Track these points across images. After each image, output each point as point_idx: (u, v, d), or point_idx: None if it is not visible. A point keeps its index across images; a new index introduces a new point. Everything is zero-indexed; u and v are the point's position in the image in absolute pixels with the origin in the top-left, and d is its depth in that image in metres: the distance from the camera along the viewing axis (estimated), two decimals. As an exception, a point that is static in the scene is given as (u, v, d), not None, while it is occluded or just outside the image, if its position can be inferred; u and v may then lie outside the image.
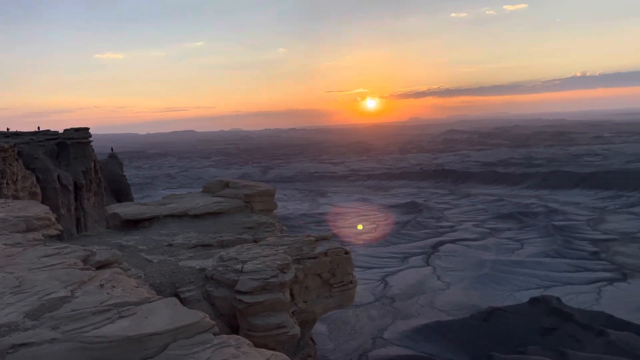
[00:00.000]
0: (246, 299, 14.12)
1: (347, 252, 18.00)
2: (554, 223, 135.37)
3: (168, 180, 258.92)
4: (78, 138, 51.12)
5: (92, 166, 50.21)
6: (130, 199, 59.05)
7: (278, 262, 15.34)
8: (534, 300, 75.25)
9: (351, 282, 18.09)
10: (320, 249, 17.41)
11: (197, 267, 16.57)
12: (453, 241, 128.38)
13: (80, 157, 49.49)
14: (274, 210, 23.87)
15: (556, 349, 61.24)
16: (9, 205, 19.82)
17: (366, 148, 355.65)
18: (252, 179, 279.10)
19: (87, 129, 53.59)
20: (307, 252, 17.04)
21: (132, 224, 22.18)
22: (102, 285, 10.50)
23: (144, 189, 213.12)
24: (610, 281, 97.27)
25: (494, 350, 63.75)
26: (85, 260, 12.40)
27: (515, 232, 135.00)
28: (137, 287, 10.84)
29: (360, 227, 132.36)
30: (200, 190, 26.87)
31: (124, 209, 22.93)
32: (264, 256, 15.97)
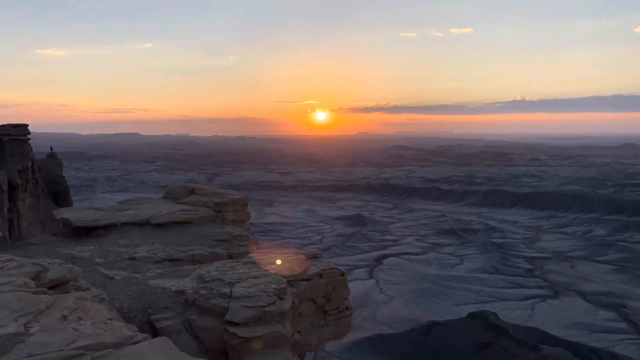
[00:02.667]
0: (241, 332, 11.58)
1: (342, 274, 16.01)
2: (492, 240, 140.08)
3: (109, 183, 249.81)
4: (15, 135, 48.47)
5: (30, 165, 47.67)
6: (69, 202, 56.52)
7: (273, 286, 13.01)
8: (472, 315, 77.25)
9: (347, 308, 16.20)
10: (313, 269, 15.26)
11: (173, 288, 14.05)
12: (396, 255, 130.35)
13: (17, 155, 46.89)
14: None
15: (492, 362, 63.07)
16: None
17: (315, 159, 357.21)
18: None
19: (25, 125, 50.95)
20: (299, 273, 14.91)
21: (84, 232, 19.56)
22: (65, 317, 8.04)
23: (82, 191, 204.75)
24: (544, 298, 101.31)
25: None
26: (35, 279, 9.86)
27: (456, 247, 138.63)
28: (110, 319, 8.42)
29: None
30: (161, 196, 24.49)
31: (76, 214, 20.31)
32: (254, 277, 13.71)
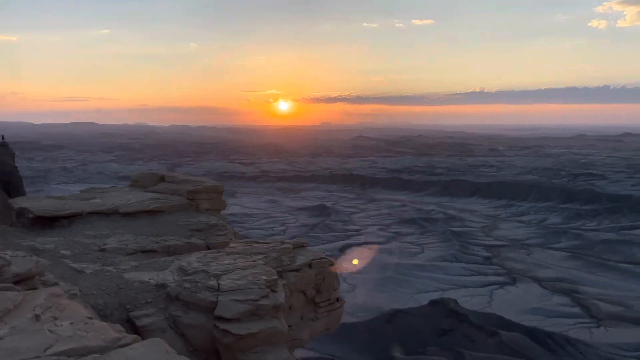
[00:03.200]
0: (234, 329, 10.68)
1: (332, 264, 15.36)
2: (452, 229, 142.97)
3: (64, 174, 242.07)
4: (-37, 123, 46.14)
5: (-21, 155, 45.46)
6: (22, 193, 54.18)
7: (263, 277, 12.09)
8: (433, 303, 78.88)
9: (337, 300, 15.79)
10: (301, 259, 14.65)
11: (153, 281, 12.92)
12: (359, 244, 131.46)
13: (-35, 144, 44.63)
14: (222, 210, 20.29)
15: (453, 348, 64.55)
16: None
17: (277, 150, 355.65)
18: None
19: (-27, 114, 48.52)
20: (288, 263, 14.19)
21: (46, 222, 17.89)
22: (37, 317, 6.92)
23: (36, 182, 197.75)
24: (501, 285, 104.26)
25: (396, 351, 65.92)
26: (-3, 273, 8.55)
27: (417, 236, 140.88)
28: (90, 318, 7.34)
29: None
30: (127, 185, 22.89)
31: (35, 203, 18.60)
32: (241, 268, 12.79)
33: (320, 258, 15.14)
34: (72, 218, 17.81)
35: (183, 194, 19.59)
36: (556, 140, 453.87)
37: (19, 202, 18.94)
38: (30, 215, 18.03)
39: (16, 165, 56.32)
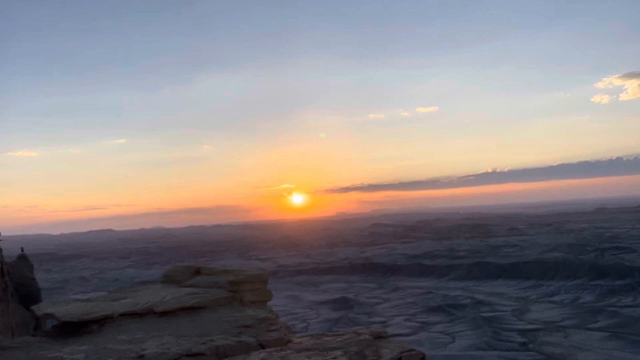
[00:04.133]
0: None
1: (423, 357, 13.93)
2: (482, 315, 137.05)
3: (82, 283, 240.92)
4: (-17, 238, 46.04)
5: (-2, 269, 44.92)
6: (40, 306, 53.07)
7: None
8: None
9: None
10: (387, 352, 13.15)
11: None
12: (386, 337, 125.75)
13: (-16, 259, 44.24)
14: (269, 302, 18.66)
15: None
16: None
17: (294, 243, 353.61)
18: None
19: (-6, 228, 48.69)
20: (373, 358, 12.85)
21: (73, 329, 15.86)
22: None
23: (53, 293, 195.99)
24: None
25: None
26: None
27: (446, 325, 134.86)
28: None
29: None
30: (160, 282, 21.07)
31: (61, 308, 16.58)
32: None
33: (409, 350, 13.70)
34: (102, 322, 15.95)
35: (224, 286, 18.08)
36: (576, 215, 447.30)
37: (42, 308, 17.32)
38: (55, 322, 16.51)
39: (34, 277, 55.70)
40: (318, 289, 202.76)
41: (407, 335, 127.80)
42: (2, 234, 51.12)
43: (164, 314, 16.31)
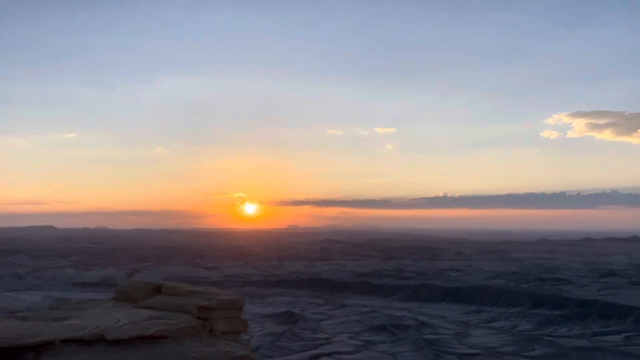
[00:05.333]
0: None
1: None
2: (424, 336, 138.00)
3: (15, 280, 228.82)
4: None
5: None
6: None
7: None
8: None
9: None
10: None
11: None
12: (328, 354, 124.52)
13: None
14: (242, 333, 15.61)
15: None
16: None
17: (243, 253, 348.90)
18: (115, 283, 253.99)
19: None
20: None
21: (3, 356, 12.34)
22: None
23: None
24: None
25: None
26: None
27: (388, 345, 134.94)
28: None
29: None
30: (110, 297, 17.96)
31: None
32: None
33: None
34: (40, 349, 12.51)
35: (190, 311, 15.04)
36: (520, 245, 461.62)
37: None
38: None
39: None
40: (264, 301, 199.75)
41: (350, 353, 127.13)
42: None
43: (117, 342, 13.33)
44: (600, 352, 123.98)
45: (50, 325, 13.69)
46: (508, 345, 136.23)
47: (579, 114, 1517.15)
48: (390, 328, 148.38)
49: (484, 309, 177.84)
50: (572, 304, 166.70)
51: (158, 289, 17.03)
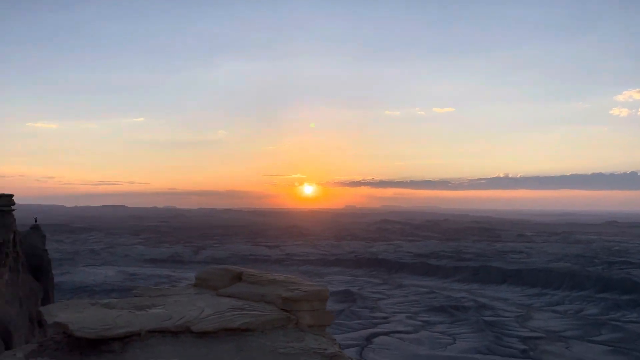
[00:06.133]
0: None
1: None
2: (484, 318, 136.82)
3: (92, 256, 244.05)
4: (-1, 206, 46.98)
5: (12, 238, 45.90)
6: (50, 277, 54.15)
7: None
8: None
9: None
10: None
11: None
12: (387, 333, 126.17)
13: (-1, 227, 45.20)
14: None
15: None
16: None
17: (302, 233, 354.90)
18: (183, 260, 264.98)
19: (10, 195, 49.43)
20: None
21: (90, 344, 12.30)
22: None
23: (63, 264, 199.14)
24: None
25: None
26: None
27: (447, 326, 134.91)
28: None
29: None
30: (190, 283, 17.69)
31: (75, 315, 12.90)
32: None
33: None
34: (126, 339, 12.43)
35: (274, 302, 14.47)
36: (586, 227, 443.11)
37: (53, 313, 13.31)
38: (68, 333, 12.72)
39: (46, 248, 56.79)
40: (322, 280, 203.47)
41: (408, 332, 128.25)
42: (17, 203, 52.04)
43: (202, 334, 12.93)
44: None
45: (135, 315, 13.47)
46: (573, 329, 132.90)
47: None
48: (449, 309, 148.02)
49: (547, 292, 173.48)
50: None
51: (238, 277, 16.59)
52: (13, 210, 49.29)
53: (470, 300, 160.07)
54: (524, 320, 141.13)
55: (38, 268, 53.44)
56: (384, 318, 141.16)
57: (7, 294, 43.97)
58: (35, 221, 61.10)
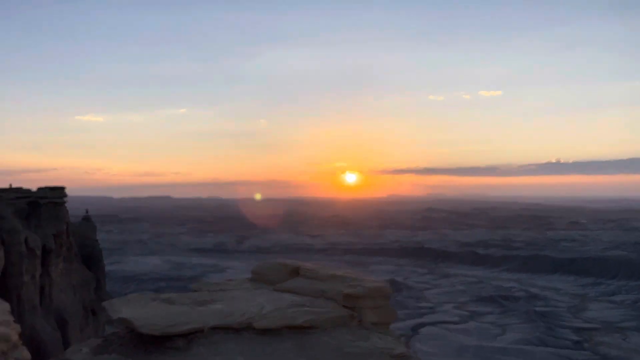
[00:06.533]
0: None
1: None
2: (536, 309, 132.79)
3: (140, 246, 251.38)
4: (52, 198, 48.05)
5: (65, 229, 46.84)
6: (101, 266, 55.22)
7: None
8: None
9: None
10: None
11: None
12: (433, 323, 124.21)
13: (53, 218, 46.21)
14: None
15: None
16: None
17: (345, 222, 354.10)
18: (227, 249, 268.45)
19: (62, 188, 50.60)
20: None
21: (153, 340, 12.24)
22: None
23: (113, 254, 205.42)
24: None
25: None
26: None
27: (497, 316, 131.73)
28: None
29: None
30: (246, 277, 17.41)
31: (138, 312, 12.94)
32: None
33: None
34: (190, 336, 12.32)
35: (334, 299, 13.93)
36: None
37: (116, 309, 13.28)
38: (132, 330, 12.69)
39: (97, 239, 58.01)
40: (366, 269, 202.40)
41: (456, 323, 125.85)
42: (67, 195, 53.23)
43: (265, 331, 12.72)
44: None
45: (198, 311, 13.29)
46: (630, 320, 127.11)
47: None
48: (498, 299, 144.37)
49: (602, 281, 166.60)
50: None
51: (296, 271, 16.20)
52: (65, 202, 50.42)
53: (520, 290, 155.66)
54: (577, 310, 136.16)
55: (90, 258, 54.65)
56: (431, 308, 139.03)
57: (61, 283, 45.01)
58: (87, 212, 62.51)
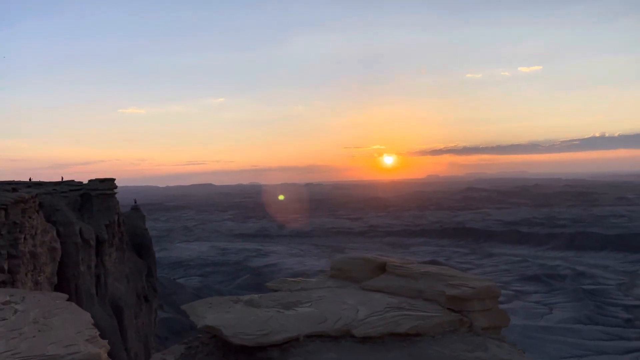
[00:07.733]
0: None
1: None
2: (583, 287, 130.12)
3: (186, 233, 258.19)
4: (103, 189, 50.15)
5: (116, 219, 48.92)
6: (152, 254, 57.38)
7: None
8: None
9: None
10: None
11: None
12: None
13: (104, 209, 48.31)
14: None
15: None
16: (16, 310, 11.35)
17: (384, 204, 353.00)
18: (269, 234, 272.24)
19: (112, 179, 52.64)
20: None
21: (244, 349, 11.05)
22: None
23: (160, 241, 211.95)
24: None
25: None
26: None
27: (542, 295, 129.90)
28: None
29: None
30: (327, 274, 15.98)
31: (225, 318, 11.72)
32: None
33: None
34: (284, 345, 11.14)
35: (436, 300, 12.46)
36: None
37: (199, 314, 12.17)
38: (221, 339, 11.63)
39: (146, 227, 60.20)
40: (407, 250, 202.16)
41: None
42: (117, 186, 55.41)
43: (365, 339, 11.23)
44: None
45: (287, 318, 12.01)
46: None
47: None
48: (544, 278, 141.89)
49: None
50: None
51: (382, 267, 14.67)
52: (116, 193, 52.50)
53: (567, 269, 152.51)
54: (627, 288, 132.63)
55: (140, 246, 56.87)
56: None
57: (115, 272, 47.19)
58: (135, 202, 64.86)
